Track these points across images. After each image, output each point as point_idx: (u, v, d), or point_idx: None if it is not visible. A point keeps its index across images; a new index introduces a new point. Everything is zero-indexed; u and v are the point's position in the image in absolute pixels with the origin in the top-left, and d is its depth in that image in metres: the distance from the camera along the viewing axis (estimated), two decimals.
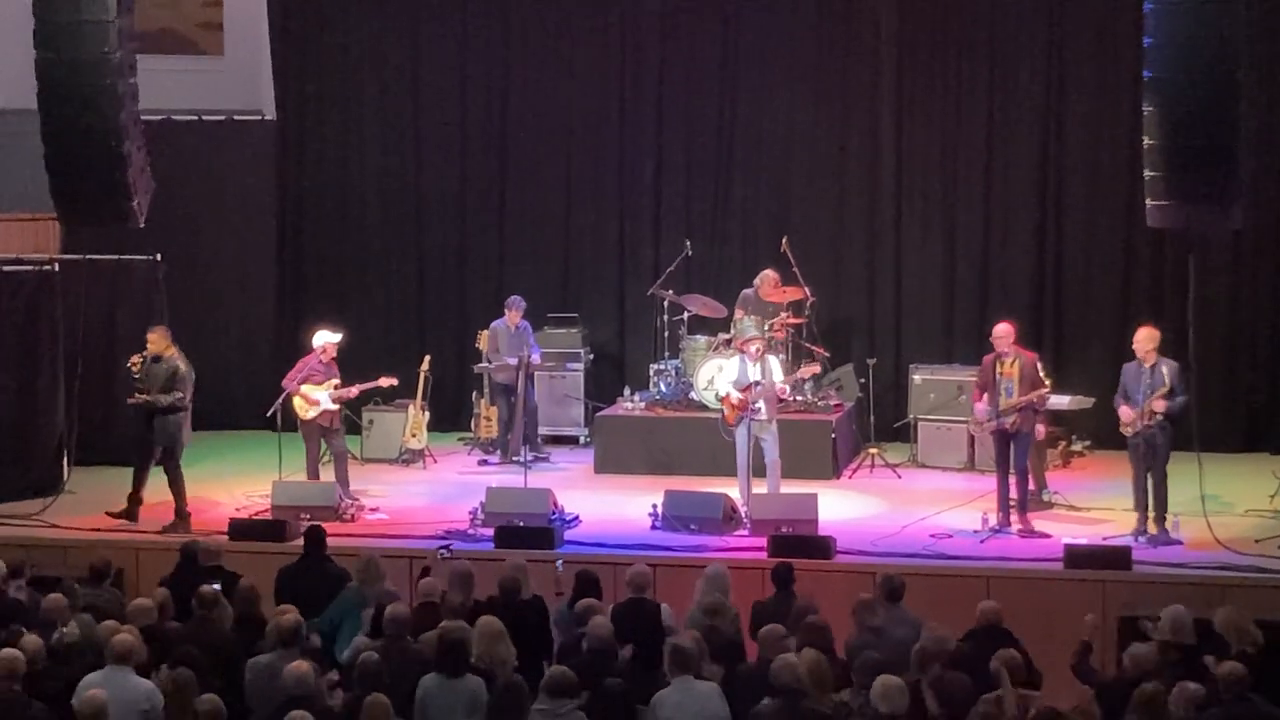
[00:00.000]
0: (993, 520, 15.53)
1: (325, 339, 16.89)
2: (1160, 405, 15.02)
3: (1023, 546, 15.10)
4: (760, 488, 16.17)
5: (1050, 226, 19.84)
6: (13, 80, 18.50)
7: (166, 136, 19.28)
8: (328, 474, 16.97)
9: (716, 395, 18.31)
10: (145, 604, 11.90)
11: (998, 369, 15.64)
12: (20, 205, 19.79)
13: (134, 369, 16.28)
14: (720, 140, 20.57)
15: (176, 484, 16.20)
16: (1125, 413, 15.26)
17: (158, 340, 16.29)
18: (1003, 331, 15.76)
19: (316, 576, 13.05)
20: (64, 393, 17.81)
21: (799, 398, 18.29)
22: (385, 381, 17.25)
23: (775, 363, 16.51)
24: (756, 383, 16.08)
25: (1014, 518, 15.59)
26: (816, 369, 17.43)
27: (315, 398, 16.69)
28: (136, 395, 16.16)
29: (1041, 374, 15.75)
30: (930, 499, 16.93)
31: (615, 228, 20.84)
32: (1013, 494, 15.69)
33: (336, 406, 16.78)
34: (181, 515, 16.07)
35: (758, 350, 16.29)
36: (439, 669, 10.61)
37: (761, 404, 16.08)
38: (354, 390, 16.89)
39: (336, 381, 16.74)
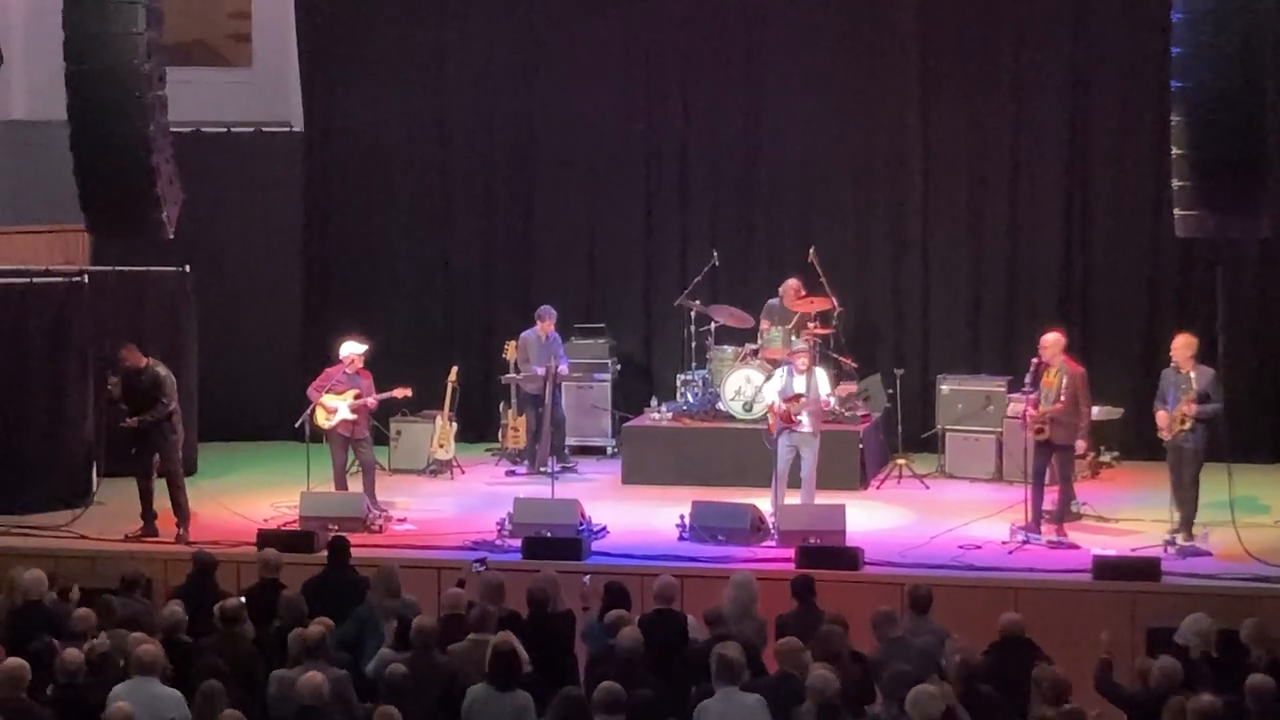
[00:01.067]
0: (1021, 532, 15.48)
1: (349, 350, 16.93)
2: (1191, 409, 15.02)
3: (1051, 557, 15.05)
4: (794, 499, 16.15)
5: (1077, 236, 19.78)
6: (43, 92, 18.58)
7: (195, 148, 19.31)
8: (356, 484, 16.99)
9: (745, 405, 18.36)
10: (179, 613, 11.91)
11: (1044, 377, 15.62)
12: (49, 217, 19.84)
13: (113, 389, 16.28)
14: (746, 150, 20.56)
15: (178, 489, 16.24)
16: (1161, 418, 15.33)
17: (132, 355, 16.31)
18: (1048, 341, 15.77)
19: (341, 587, 13.05)
20: (92, 404, 17.86)
21: (847, 412, 18.27)
22: (400, 392, 17.22)
23: (822, 375, 16.48)
24: (801, 395, 16.07)
25: (1046, 527, 15.56)
26: (853, 388, 17.29)
27: (333, 406, 16.73)
28: (128, 420, 16.17)
29: (1082, 394, 15.69)
30: (958, 510, 16.89)
31: (642, 238, 20.85)
32: (1047, 504, 15.66)
33: (355, 416, 16.78)
34: (182, 519, 16.11)
35: (805, 363, 16.27)
36: (489, 681, 10.60)
37: (805, 416, 16.07)
38: (371, 401, 16.89)
39: (356, 391, 16.77)
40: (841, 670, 10.64)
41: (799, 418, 16.07)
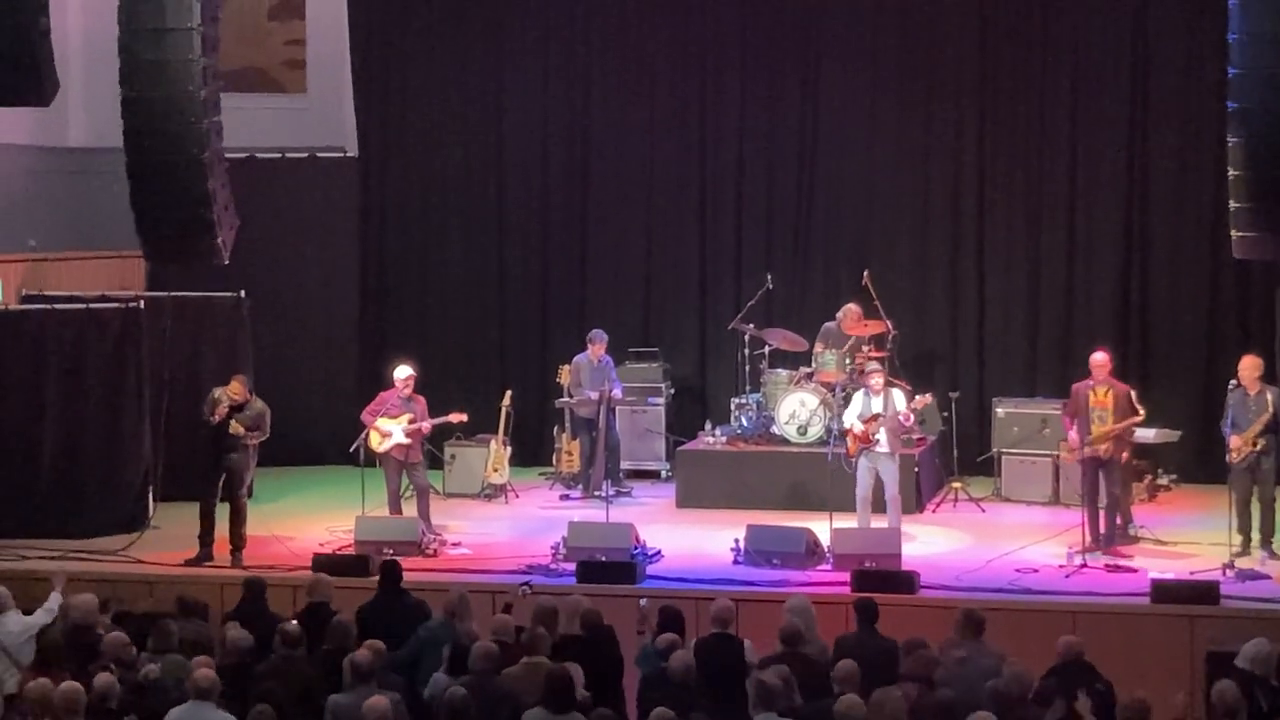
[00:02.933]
0: (1078, 555, 15.39)
1: (402, 373, 16.96)
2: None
3: (1109, 581, 14.95)
4: (880, 522, 16.14)
5: (1135, 258, 19.69)
6: (99, 119, 18.71)
7: (250, 174, 19.42)
8: (410, 508, 17.02)
9: (800, 429, 18.32)
10: (243, 637, 11.93)
11: (1091, 397, 15.56)
12: (106, 243, 19.98)
13: (219, 414, 16.29)
14: (801, 173, 20.54)
15: (240, 515, 16.26)
16: (1234, 440, 15.31)
17: (239, 389, 16.37)
18: (1101, 360, 15.76)
19: (395, 612, 13.05)
20: (149, 429, 17.94)
21: (921, 425, 18.21)
22: (455, 417, 17.28)
23: (898, 394, 16.44)
24: (878, 415, 16.03)
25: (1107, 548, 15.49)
26: (928, 399, 17.21)
27: (387, 430, 16.77)
28: (236, 425, 16.18)
29: (1136, 404, 15.70)
30: (1015, 533, 16.81)
31: (696, 261, 20.83)
32: (1102, 527, 15.58)
33: (409, 440, 16.80)
34: (238, 546, 16.15)
35: (879, 383, 16.25)
36: (545, 705, 10.58)
37: (882, 435, 16.04)
38: (426, 425, 16.91)
39: (411, 416, 16.80)
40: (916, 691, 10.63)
41: (876, 437, 16.03)
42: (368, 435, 16.79)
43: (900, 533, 15.70)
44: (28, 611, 13.20)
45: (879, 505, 16.38)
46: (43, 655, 12.01)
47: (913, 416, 16.72)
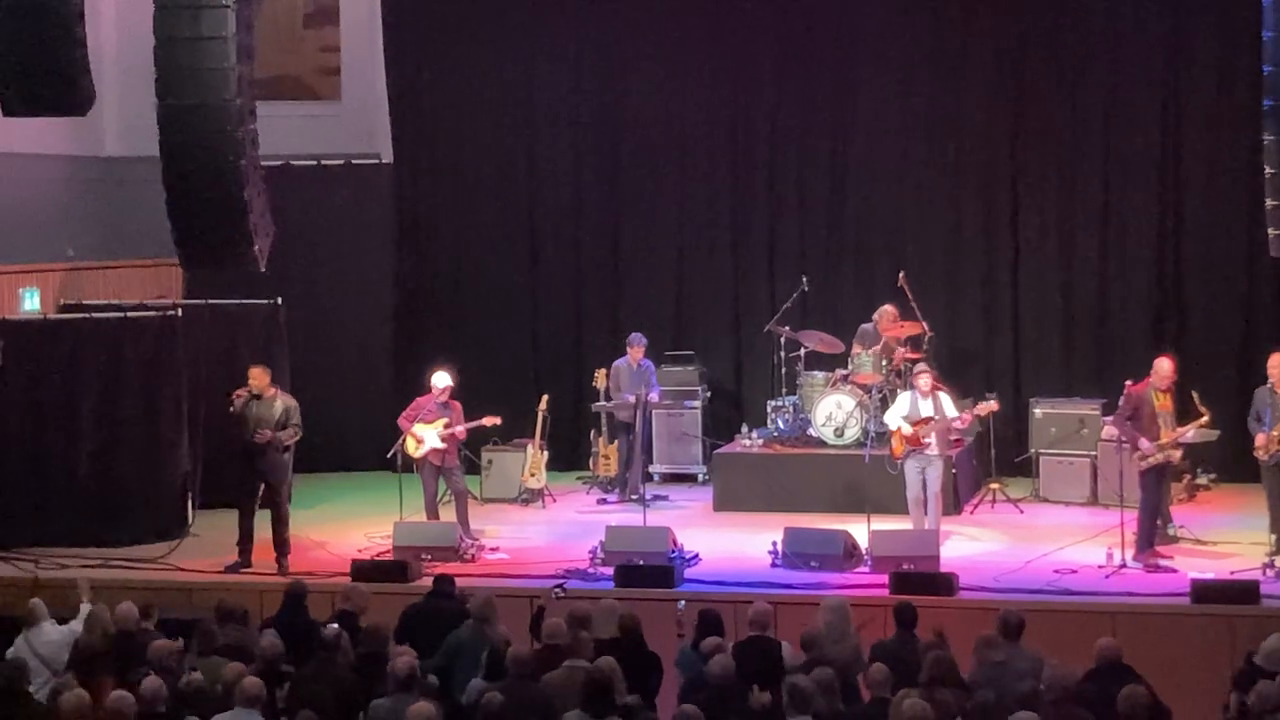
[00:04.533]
0: (1118, 556, 15.33)
1: (438, 380, 16.99)
2: None
3: (1148, 582, 14.90)
4: (902, 524, 16.13)
5: (1170, 257, 19.63)
6: (135, 128, 18.78)
7: (286, 181, 19.48)
8: (448, 514, 17.05)
9: (837, 431, 18.29)
10: (277, 643, 11.96)
11: (1156, 401, 15.48)
12: (143, 252, 20.07)
13: (235, 401, 16.36)
14: (834, 175, 20.52)
15: (282, 523, 16.30)
16: (1260, 438, 15.22)
17: (260, 377, 16.39)
18: (1169, 369, 15.67)
19: (440, 618, 13.06)
20: (187, 436, 18.01)
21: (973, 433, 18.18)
22: (489, 420, 17.29)
23: (946, 399, 16.37)
24: (931, 417, 16.00)
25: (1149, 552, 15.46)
26: (995, 407, 17.11)
27: (422, 435, 16.80)
28: (260, 434, 16.19)
29: (1200, 405, 15.63)
30: (1053, 534, 16.78)
31: (730, 264, 20.84)
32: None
33: (444, 445, 16.82)
34: (283, 552, 16.18)
35: (928, 385, 16.21)
36: (584, 708, 10.59)
37: (932, 438, 16.01)
38: (460, 430, 16.93)
39: (446, 421, 16.82)
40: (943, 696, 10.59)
41: (927, 440, 16.00)
42: (404, 440, 16.82)
43: (939, 533, 15.68)
44: (64, 621, 13.27)
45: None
46: (76, 664, 12.02)
47: (970, 421, 16.60)
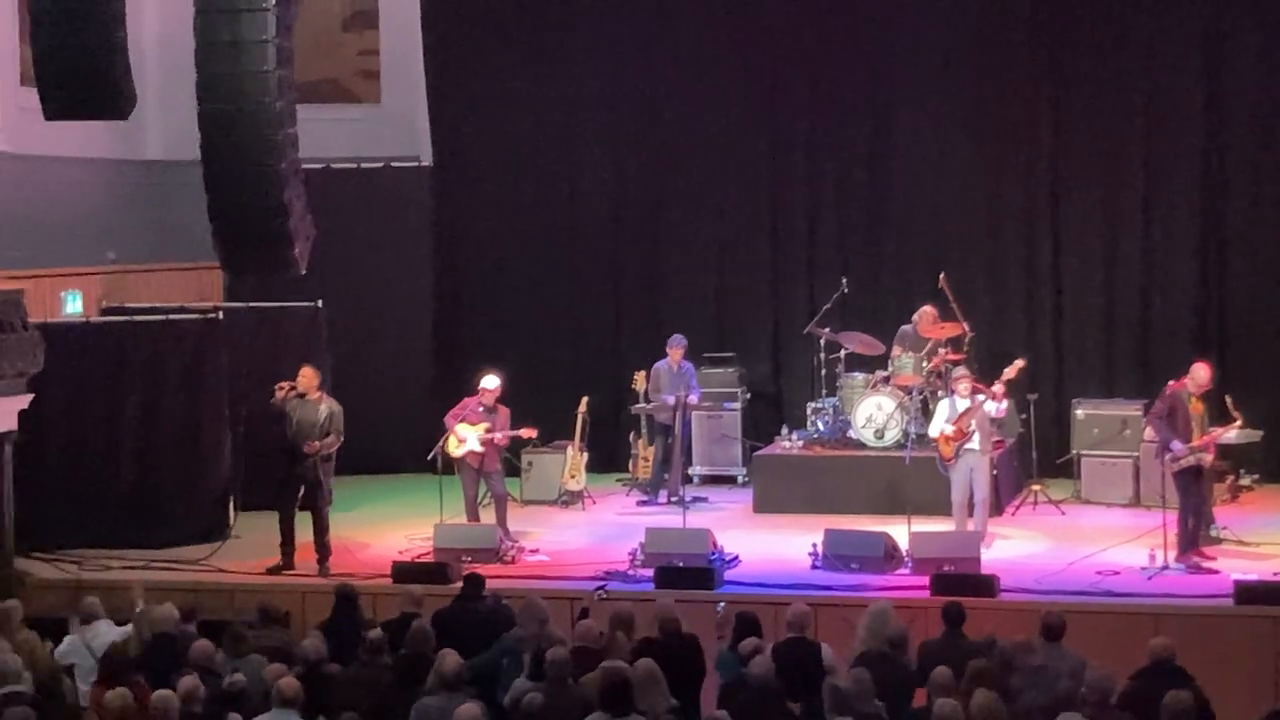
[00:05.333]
0: (1160, 557, 15.26)
1: (486, 382, 17.00)
2: None
3: (1191, 583, 14.84)
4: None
5: (1213, 257, 19.55)
6: (176, 132, 18.85)
7: (326, 184, 19.52)
8: (488, 515, 17.05)
9: (877, 433, 18.26)
10: (318, 645, 11.98)
11: (1190, 404, 15.41)
12: (184, 255, 20.14)
13: (278, 394, 16.40)
14: (874, 176, 20.48)
15: (322, 525, 16.33)
16: None
17: (310, 378, 16.43)
18: (1207, 376, 15.60)
19: (471, 618, 13.08)
20: (229, 438, 18.06)
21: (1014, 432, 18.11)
22: (526, 432, 17.28)
23: (981, 396, 16.31)
24: (969, 410, 15.98)
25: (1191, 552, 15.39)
26: (1021, 364, 16.86)
27: (464, 436, 16.82)
28: (311, 445, 16.22)
29: (1232, 409, 15.56)
30: (1095, 535, 16.72)
31: (770, 265, 20.82)
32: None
33: (483, 449, 16.82)
34: (324, 555, 16.22)
35: (967, 389, 16.17)
36: (603, 708, 10.59)
37: (974, 425, 15.98)
38: (499, 437, 16.89)
39: (488, 425, 16.83)
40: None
41: (970, 430, 15.97)
42: (446, 438, 16.83)
43: (982, 535, 15.64)
44: (123, 623, 13.33)
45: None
46: (108, 665, 12.05)
47: (1002, 394, 16.41)
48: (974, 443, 16.06)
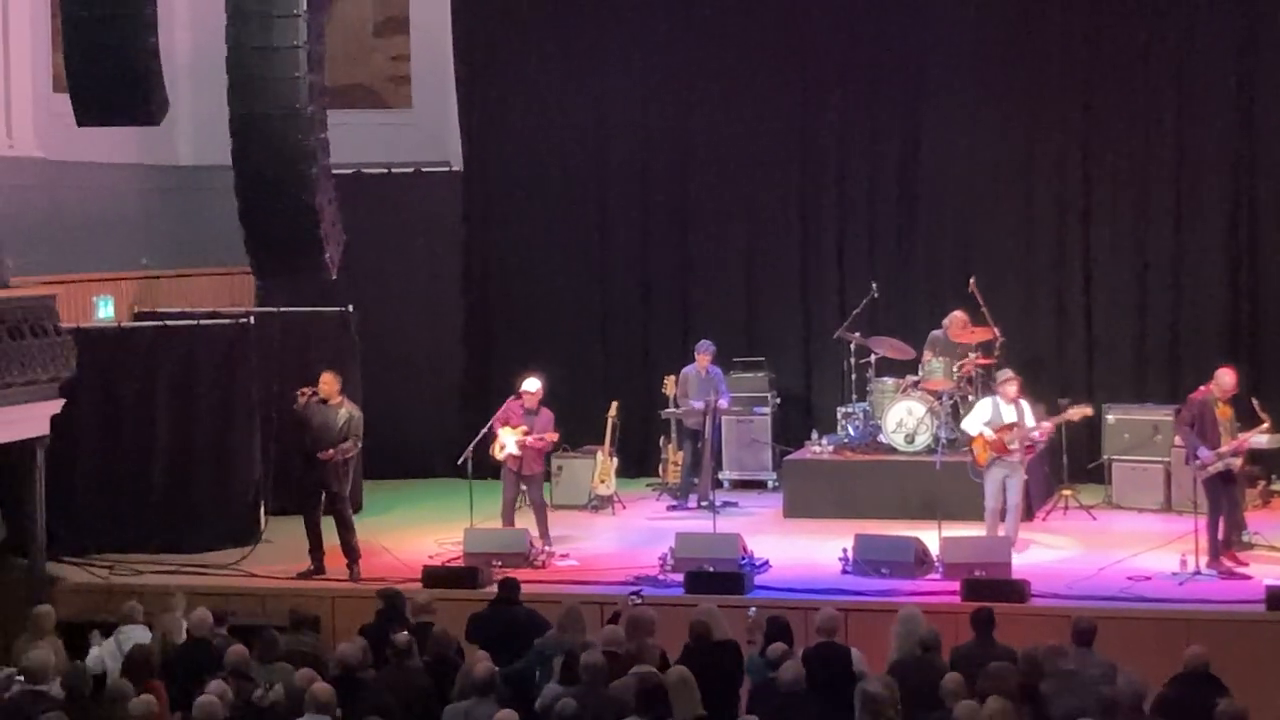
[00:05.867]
0: (1192, 563, 15.21)
1: (527, 385, 17.03)
2: None
3: (1223, 589, 14.79)
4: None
5: (1244, 262, 19.49)
6: (208, 137, 18.89)
7: (357, 189, 19.55)
8: (524, 520, 17.02)
9: (907, 437, 18.23)
10: (350, 650, 11.99)
11: (1217, 410, 15.35)
12: (216, 260, 20.20)
13: (300, 400, 16.43)
14: (904, 180, 20.46)
15: (347, 529, 16.35)
16: None
17: (331, 384, 16.46)
18: (1232, 382, 15.53)
19: (505, 623, 13.09)
20: (259, 443, 18.10)
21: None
22: (549, 437, 17.25)
23: (1027, 406, 16.20)
24: (1014, 424, 15.90)
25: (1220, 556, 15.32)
26: (1088, 411, 16.90)
27: (504, 440, 16.84)
28: (326, 453, 16.25)
29: (1261, 411, 15.51)
30: (1126, 541, 16.67)
31: (799, 270, 20.80)
32: (1220, 533, 15.42)
33: (520, 452, 16.84)
34: (353, 559, 16.24)
35: (1013, 391, 16.06)
36: (639, 713, 10.58)
37: (1016, 444, 15.91)
38: (534, 440, 16.87)
39: (526, 428, 16.84)
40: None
41: (1012, 446, 15.89)
42: (491, 442, 16.84)
43: (1013, 541, 15.61)
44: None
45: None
46: (129, 668, 12.08)
47: (1048, 433, 16.41)
48: (1015, 455, 15.97)
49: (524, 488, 17.07)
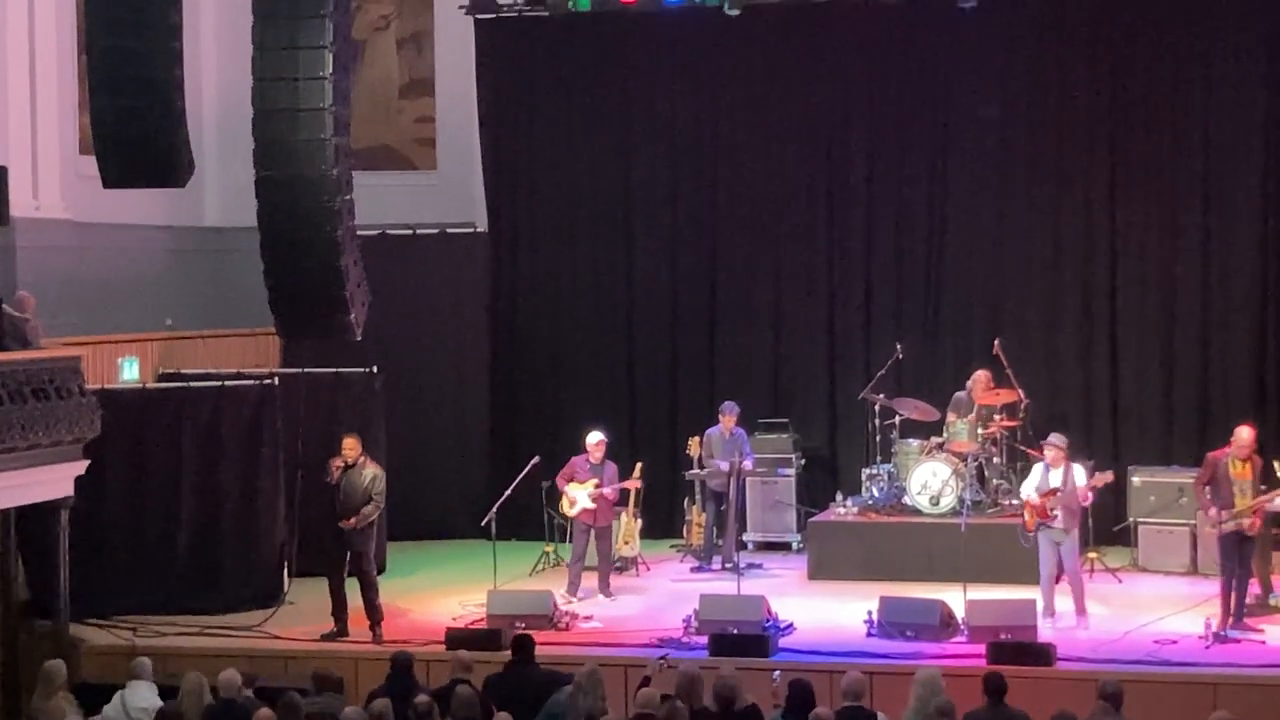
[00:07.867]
0: (1216, 625, 15.13)
1: (591, 438, 17.23)
2: None
3: (1251, 653, 14.70)
4: (1064, 596, 16.00)
5: (1272, 323, 19.43)
6: (234, 198, 19.02)
7: (382, 250, 19.62)
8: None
9: (932, 499, 18.18)
10: (380, 709, 11.95)
11: (1231, 469, 15.29)
12: (241, 321, 20.25)
13: (335, 472, 16.46)
14: (930, 241, 20.47)
15: (371, 589, 16.34)
16: None
17: (354, 448, 16.48)
18: (1248, 438, 15.44)
19: (523, 683, 13.04)
20: (284, 504, 18.10)
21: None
22: (631, 484, 17.56)
23: (1079, 469, 16.10)
24: (1056, 490, 15.84)
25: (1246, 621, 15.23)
26: (1110, 477, 16.86)
27: (574, 496, 17.07)
28: (347, 521, 16.26)
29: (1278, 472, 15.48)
30: (1153, 604, 16.59)
31: (825, 331, 20.79)
32: (1233, 601, 15.32)
33: (594, 505, 17.08)
34: (375, 620, 16.22)
35: (1057, 456, 15.92)
36: None
37: (1059, 511, 15.81)
38: (609, 491, 17.15)
39: (596, 481, 16.98)
40: None
41: (1054, 512, 15.81)
42: (560, 500, 17.04)
43: (1036, 604, 15.53)
44: (165, 689, 13.34)
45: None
46: None
47: (1091, 495, 16.34)
48: (1058, 521, 15.88)
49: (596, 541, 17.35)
